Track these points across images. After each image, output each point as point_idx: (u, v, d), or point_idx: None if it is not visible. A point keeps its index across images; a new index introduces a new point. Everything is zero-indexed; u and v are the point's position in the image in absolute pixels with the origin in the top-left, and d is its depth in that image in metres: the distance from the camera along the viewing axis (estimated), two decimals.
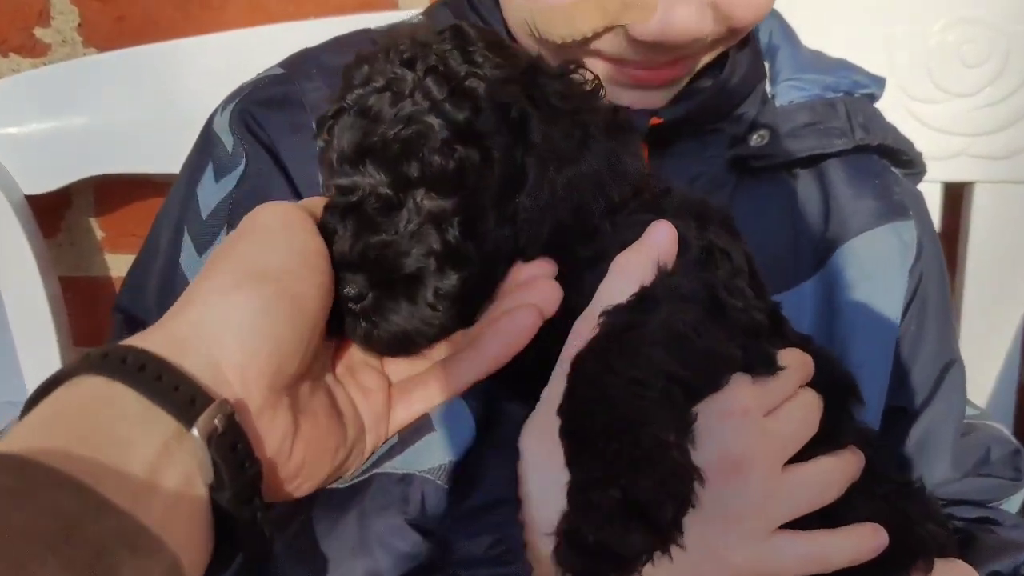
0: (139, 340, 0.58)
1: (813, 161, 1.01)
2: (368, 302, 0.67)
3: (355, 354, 0.73)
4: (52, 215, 1.50)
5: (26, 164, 1.34)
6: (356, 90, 0.70)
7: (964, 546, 0.96)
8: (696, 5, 0.85)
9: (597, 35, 0.88)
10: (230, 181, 0.93)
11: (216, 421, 0.55)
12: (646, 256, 0.69)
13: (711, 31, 0.88)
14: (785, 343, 0.75)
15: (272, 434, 0.61)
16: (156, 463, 0.52)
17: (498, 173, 0.69)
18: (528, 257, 0.72)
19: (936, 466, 1.01)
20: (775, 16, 1.07)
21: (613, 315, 0.66)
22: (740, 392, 0.69)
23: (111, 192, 1.51)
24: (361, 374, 0.73)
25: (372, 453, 0.71)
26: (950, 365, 1.03)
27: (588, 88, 0.76)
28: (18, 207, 1.33)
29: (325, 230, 0.68)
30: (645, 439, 0.57)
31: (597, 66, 0.88)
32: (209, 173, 0.95)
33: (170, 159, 1.27)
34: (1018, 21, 1.26)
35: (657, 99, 0.95)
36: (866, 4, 1.30)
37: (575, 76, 0.76)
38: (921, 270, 1.02)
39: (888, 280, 1.00)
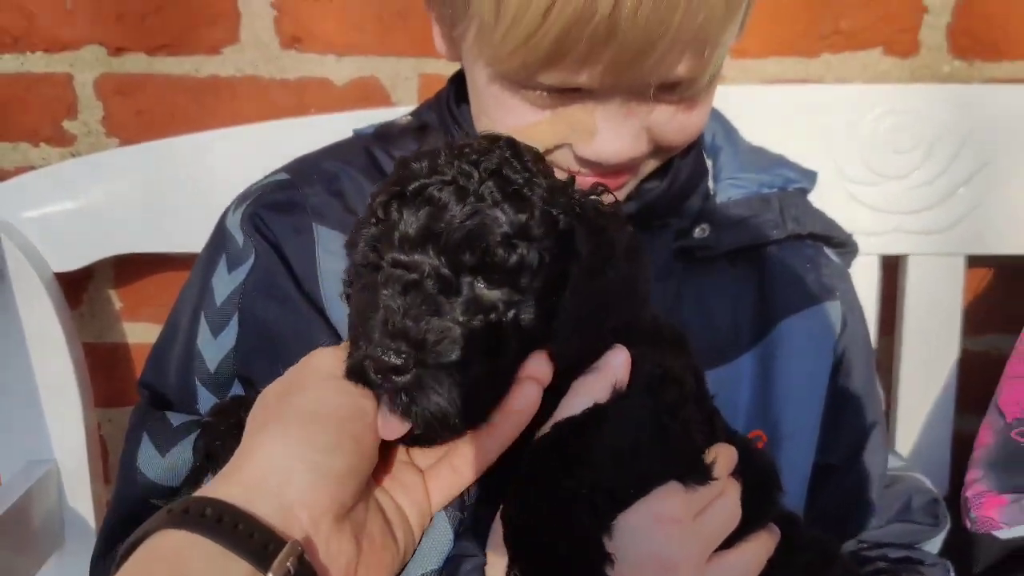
0: (216, 489, 0.63)
1: (752, 249, 1.10)
2: (410, 378, 0.68)
3: (395, 458, 0.76)
4: (76, 288, 1.57)
5: (54, 244, 1.41)
6: (421, 179, 0.72)
7: None
8: (630, 130, 0.94)
9: (549, 151, 0.98)
10: (241, 273, 1.02)
11: (289, 564, 0.59)
12: (603, 380, 0.75)
13: (645, 152, 0.97)
14: (716, 439, 0.82)
15: (338, 563, 0.65)
16: None
17: (545, 276, 0.73)
18: (561, 361, 0.75)
19: (862, 516, 1.11)
20: (718, 118, 1.18)
21: (564, 425, 0.72)
22: (672, 502, 0.75)
23: (129, 268, 1.57)
24: (401, 474, 0.75)
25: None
26: (873, 427, 1.12)
27: (612, 209, 0.81)
28: (47, 282, 1.39)
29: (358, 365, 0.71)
30: (563, 549, 0.67)
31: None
32: (223, 265, 1.04)
33: (182, 238, 1.40)
34: (941, 111, 1.37)
35: (629, 188, 1.04)
36: (806, 98, 1.41)
37: (604, 196, 0.81)
38: (845, 344, 1.11)
39: (816, 356, 1.09)
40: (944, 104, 1.39)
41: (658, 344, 0.81)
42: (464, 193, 0.71)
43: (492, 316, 0.71)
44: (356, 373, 0.71)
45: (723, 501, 0.80)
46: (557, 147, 0.97)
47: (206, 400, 1.02)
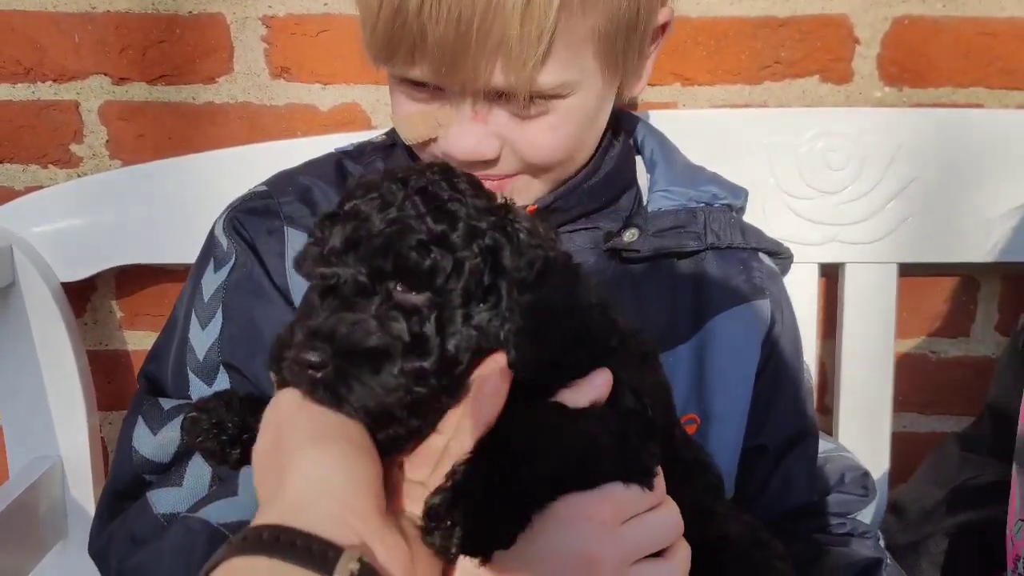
0: (264, 516, 0.65)
1: (691, 252, 1.20)
2: (329, 371, 0.70)
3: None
4: (81, 299, 1.65)
5: (61, 257, 1.51)
6: (353, 200, 0.75)
7: (813, 563, 1.16)
8: (476, 132, 1.03)
9: (425, 144, 1.07)
10: (225, 271, 1.15)
11: (351, 565, 0.60)
12: (584, 396, 0.79)
13: (494, 156, 1.05)
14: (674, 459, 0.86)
15: (397, 559, 0.66)
16: None
17: (463, 284, 0.74)
18: (521, 371, 0.76)
19: (798, 494, 1.22)
20: (655, 136, 1.30)
21: (544, 407, 0.78)
22: (605, 504, 0.77)
23: (129, 279, 1.67)
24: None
25: None
26: (803, 413, 1.24)
27: (551, 235, 0.83)
28: (54, 292, 1.49)
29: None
30: (494, 507, 0.69)
31: None
32: (211, 266, 1.17)
33: (177, 251, 1.50)
34: (869, 133, 1.50)
35: (529, 197, 1.12)
36: (749, 121, 1.53)
37: (540, 223, 0.82)
38: (774, 338, 1.21)
39: (745, 349, 1.19)
40: (873, 126, 1.51)
41: (630, 362, 0.86)
42: (387, 206, 0.73)
43: (407, 312, 0.73)
44: (285, 379, 0.74)
45: (660, 514, 0.81)
46: (431, 140, 1.08)
47: (197, 388, 1.14)
